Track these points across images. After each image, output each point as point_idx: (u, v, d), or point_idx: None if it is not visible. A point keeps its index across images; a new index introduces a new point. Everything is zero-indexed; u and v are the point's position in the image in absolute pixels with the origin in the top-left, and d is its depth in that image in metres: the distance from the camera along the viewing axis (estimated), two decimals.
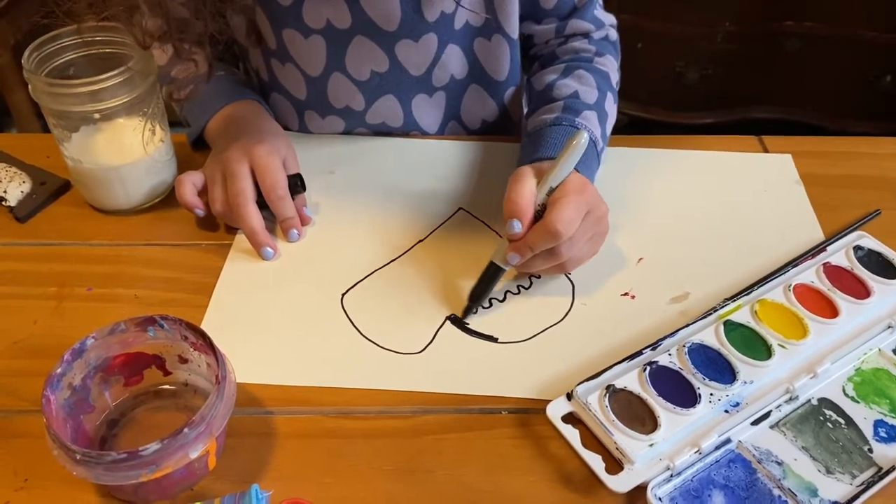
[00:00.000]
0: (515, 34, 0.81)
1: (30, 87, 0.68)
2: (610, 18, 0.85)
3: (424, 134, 0.86)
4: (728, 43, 1.68)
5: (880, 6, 1.58)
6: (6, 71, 1.68)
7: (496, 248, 0.65)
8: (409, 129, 0.85)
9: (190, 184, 0.72)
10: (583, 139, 0.61)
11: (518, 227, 0.62)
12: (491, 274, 0.65)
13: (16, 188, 0.76)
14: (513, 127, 0.88)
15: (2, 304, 0.67)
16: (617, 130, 0.80)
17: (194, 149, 0.81)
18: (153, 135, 0.73)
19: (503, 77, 0.83)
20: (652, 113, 1.81)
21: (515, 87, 0.86)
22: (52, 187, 0.77)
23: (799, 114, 1.77)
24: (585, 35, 0.82)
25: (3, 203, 0.75)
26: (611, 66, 0.81)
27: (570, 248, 0.63)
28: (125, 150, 0.72)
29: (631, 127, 1.79)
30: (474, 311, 0.65)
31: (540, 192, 0.63)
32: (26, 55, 0.68)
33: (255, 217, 0.70)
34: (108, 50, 0.72)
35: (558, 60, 0.81)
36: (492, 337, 0.64)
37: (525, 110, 0.86)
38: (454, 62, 0.81)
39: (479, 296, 0.65)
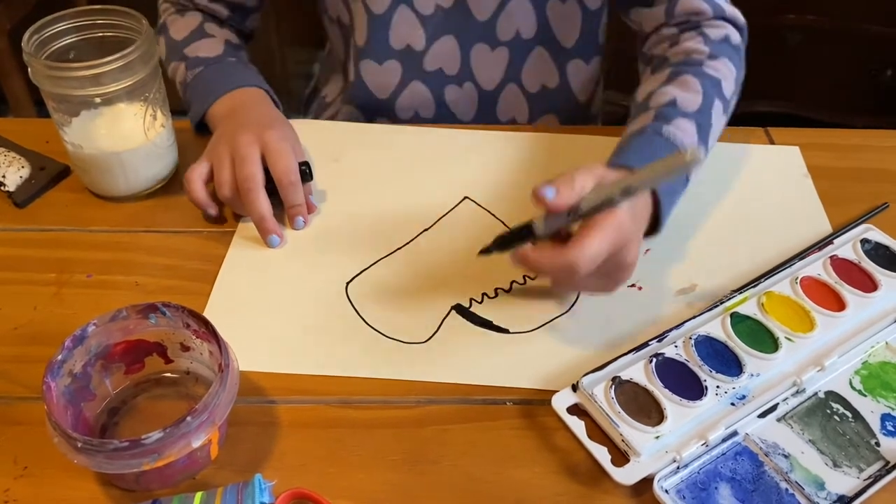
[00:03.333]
0: (593, 5, 0.79)
1: (30, 70, 0.67)
2: (733, 13, 0.77)
3: (479, 89, 0.85)
4: None
5: (882, 0, 1.58)
6: (2, 57, 1.66)
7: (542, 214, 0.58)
8: (465, 80, 0.84)
9: (200, 180, 0.71)
10: (694, 156, 0.51)
11: (551, 194, 0.55)
12: (524, 233, 0.59)
13: (14, 173, 0.75)
14: (572, 100, 0.87)
15: (1, 290, 0.66)
16: (617, 122, 0.79)
17: (197, 132, 0.80)
18: (154, 120, 0.72)
19: (571, 44, 0.82)
20: None
21: (583, 60, 0.84)
22: (52, 173, 0.76)
23: (800, 108, 1.76)
24: (698, 27, 0.75)
25: (2, 188, 0.74)
26: (725, 72, 0.73)
27: (578, 280, 0.59)
28: (126, 135, 0.71)
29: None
30: (490, 252, 0.62)
31: (594, 195, 0.55)
32: (26, 38, 0.67)
33: (264, 203, 0.69)
34: (108, 34, 0.71)
35: (667, 65, 0.74)
36: (503, 328, 0.63)
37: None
38: (522, 17, 0.79)
39: (503, 244, 0.61)
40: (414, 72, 0.84)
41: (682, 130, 0.66)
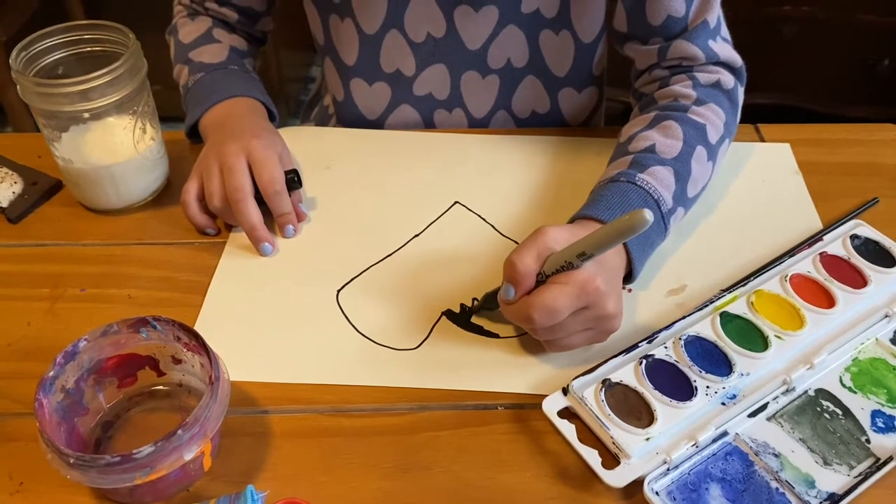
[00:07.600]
0: (587, 38, 0.79)
1: (18, 87, 0.67)
2: (729, 56, 0.74)
3: (469, 116, 0.85)
4: None
5: None
6: None
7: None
8: (455, 106, 0.84)
9: (195, 202, 0.71)
10: (639, 219, 0.50)
11: (511, 294, 0.58)
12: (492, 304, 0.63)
13: (7, 189, 0.76)
14: (563, 124, 0.87)
15: None
16: (611, 120, 0.79)
17: (189, 138, 0.80)
18: (144, 133, 0.72)
19: (563, 73, 0.82)
20: None
21: (575, 89, 0.84)
22: (44, 187, 0.77)
23: (796, 99, 1.76)
24: (690, 70, 0.74)
25: None
26: (712, 117, 0.71)
27: (552, 334, 0.58)
28: (116, 149, 0.72)
29: (625, 116, 1.78)
30: (476, 310, 0.65)
31: (552, 261, 0.57)
32: (14, 55, 0.67)
33: (254, 212, 0.69)
34: (96, 48, 0.71)
35: (653, 107, 0.74)
36: (493, 333, 0.63)
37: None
38: (514, 46, 0.80)
39: (477, 309, 0.64)
40: (403, 95, 0.84)
41: (657, 178, 0.65)
